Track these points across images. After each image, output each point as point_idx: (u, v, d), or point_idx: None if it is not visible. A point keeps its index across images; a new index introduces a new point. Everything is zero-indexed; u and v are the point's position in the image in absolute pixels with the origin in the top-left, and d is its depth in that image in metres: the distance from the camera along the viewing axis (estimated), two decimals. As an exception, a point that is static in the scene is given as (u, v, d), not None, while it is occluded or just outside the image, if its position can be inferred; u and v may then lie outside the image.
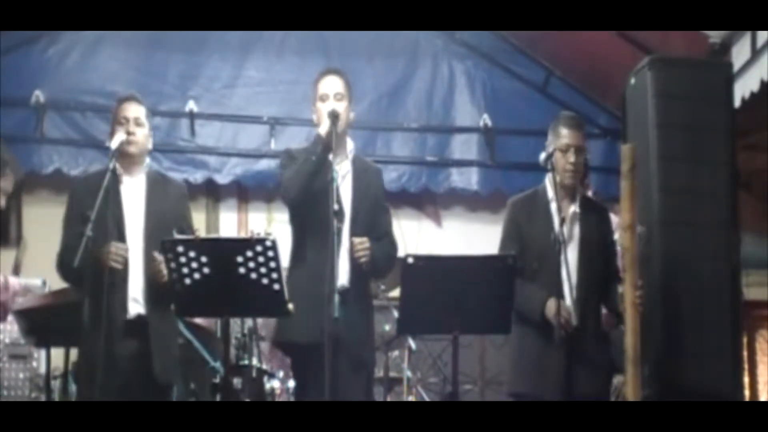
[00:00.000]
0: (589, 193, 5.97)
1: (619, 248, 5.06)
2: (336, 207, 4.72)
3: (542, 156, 5.18)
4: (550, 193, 5.15)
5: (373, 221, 5.05)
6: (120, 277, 4.90)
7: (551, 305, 4.90)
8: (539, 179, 5.26)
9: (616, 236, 5.20)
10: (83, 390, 5.09)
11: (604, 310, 5.14)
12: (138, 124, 5.09)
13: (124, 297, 4.91)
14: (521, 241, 5.13)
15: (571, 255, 5.04)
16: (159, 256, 4.79)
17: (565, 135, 5.14)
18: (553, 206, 5.13)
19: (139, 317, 4.93)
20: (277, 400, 6.22)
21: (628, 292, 4.86)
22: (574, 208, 5.13)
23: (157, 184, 5.17)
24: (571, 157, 5.08)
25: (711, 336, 4.95)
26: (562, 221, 4.97)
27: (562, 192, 5.14)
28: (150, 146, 5.23)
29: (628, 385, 4.81)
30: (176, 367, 5.24)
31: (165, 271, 4.69)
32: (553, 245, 4.97)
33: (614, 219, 5.45)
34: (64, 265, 4.96)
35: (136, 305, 4.94)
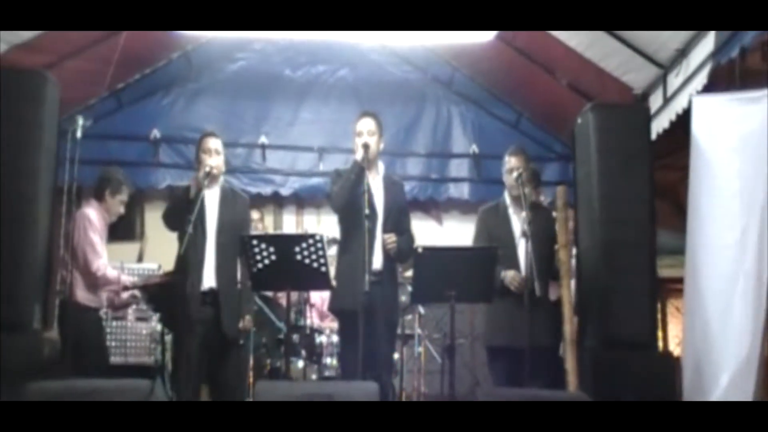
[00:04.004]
0: (542, 198, 5.95)
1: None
2: (368, 211, 4.75)
3: (509, 180, 5.23)
4: (508, 202, 5.20)
5: (398, 222, 5.08)
6: (199, 260, 4.95)
7: (507, 274, 5.01)
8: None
9: None
10: (180, 344, 5.13)
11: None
12: (218, 153, 5.15)
13: (200, 274, 4.95)
14: (488, 238, 5.16)
15: (526, 245, 5.07)
16: None
17: (507, 161, 5.26)
18: (511, 211, 5.18)
19: (211, 289, 4.98)
20: (324, 351, 6.22)
21: (565, 293, 4.89)
22: (524, 214, 5.14)
23: (227, 196, 5.21)
24: (515, 174, 5.11)
25: (635, 303, 4.94)
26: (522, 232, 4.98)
27: (516, 201, 5.18)
28: (224, 168, 5.27)
29: (568, 360, 4.91)
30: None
31: None
32: (511, 240, 5.02)
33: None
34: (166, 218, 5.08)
35: (209, 280, 4.99)
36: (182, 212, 4.85)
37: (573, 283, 5.19)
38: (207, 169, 5.00)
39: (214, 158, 5.11)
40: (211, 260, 5.02)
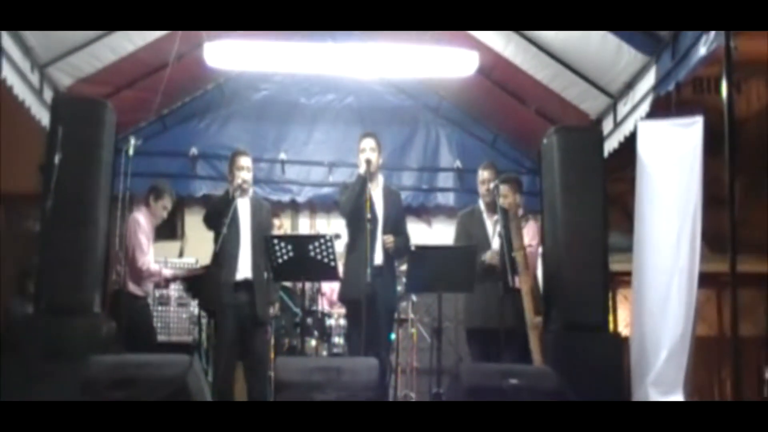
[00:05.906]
0: (520, 210, 5.98)
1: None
2: (370, 216, 4.82)
3: (483, 189, 5.31)
4: (482, 208, 5.27)
5: (396, 225, 5.16)
6: (233, 255, 5.02)
7: (486, 254, 5.12)
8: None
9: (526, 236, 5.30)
10: (218, 324, 5.19)
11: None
12: (249, 170, 5.23)
13: (235, 267, 5.02)
14: (467, 237, 5.22)
15: (496, 241, 5.14)
16: None
17: (481, 174, 5.34)
18: (485, 216, 5.24)
19: (245, 279, 5.04)
20: (333, 332, 6.26)
21: (524, 287, 4.96)
22: (495, 217, 5.21)
23: (256, 204, 5.30)
24: (487, 185, 5.19)
25: (591, 292, 4.97)
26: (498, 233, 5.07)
27: (489, 207, 5.24)
28: (251, 182, 5.34)
29: (531, 341, 4.97)
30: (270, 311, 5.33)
31: None
32: (485, 238, 5.13)
33: (532, 224, 5.52)
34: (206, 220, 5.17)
35: (245, 272, 5.05)
36: (219, 216, 4.95)
37: (540, 275, 5.27)
38: (239, 181, 5.11)
39: (245, 173, 5.20)
40: (246, 256, 5.09)
